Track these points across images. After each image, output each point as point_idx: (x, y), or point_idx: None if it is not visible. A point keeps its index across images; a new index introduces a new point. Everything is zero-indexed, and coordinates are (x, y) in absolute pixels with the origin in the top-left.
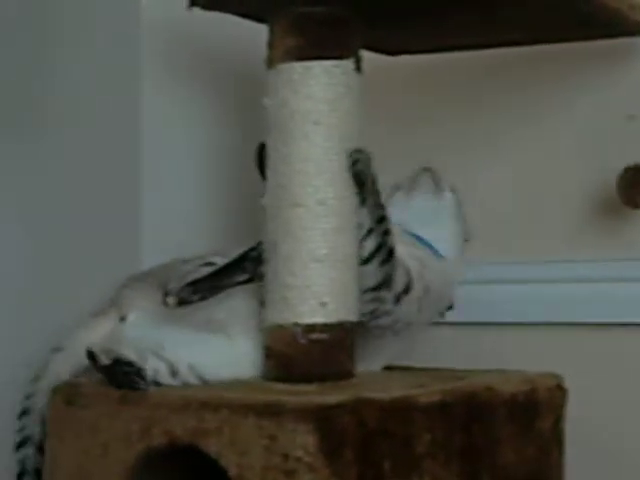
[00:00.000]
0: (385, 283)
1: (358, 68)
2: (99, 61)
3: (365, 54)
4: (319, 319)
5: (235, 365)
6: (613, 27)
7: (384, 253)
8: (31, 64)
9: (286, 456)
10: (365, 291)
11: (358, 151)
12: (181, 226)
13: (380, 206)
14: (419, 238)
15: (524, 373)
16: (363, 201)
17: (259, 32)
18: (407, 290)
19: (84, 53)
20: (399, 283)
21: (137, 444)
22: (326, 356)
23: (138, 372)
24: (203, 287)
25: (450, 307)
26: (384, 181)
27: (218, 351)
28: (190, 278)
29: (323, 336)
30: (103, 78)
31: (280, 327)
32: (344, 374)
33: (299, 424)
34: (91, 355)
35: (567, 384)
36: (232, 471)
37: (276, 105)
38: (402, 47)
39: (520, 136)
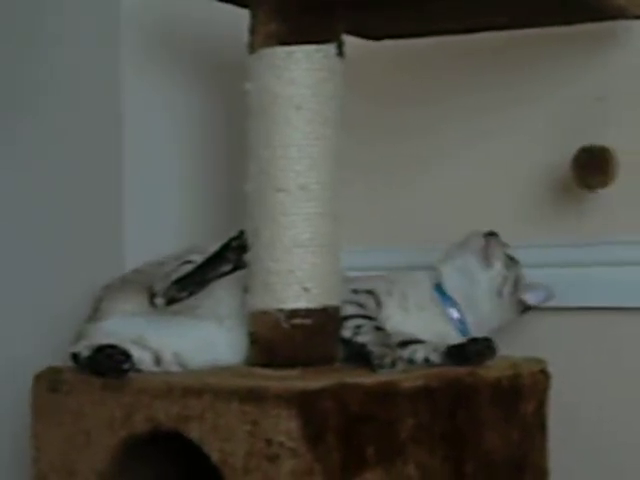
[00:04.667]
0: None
1: (340, 53)
2: (79, 48)
3: (348, 39)
4: (302, 304)
5: (224, 350)
6: (595, 11)
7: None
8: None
9: (269, 441)
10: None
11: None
12: (164, 214)
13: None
14: (451, 302)
15: (508, 358)
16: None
17: (241, 17)
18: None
19: (64, 40)
20: None
21: (120, 430)
22: (309, 341)
23: (122, 353)
24: (190, 283)
25: None
26: (364, 162)
27: (205, 337)
28: (174, 276)
29: (306, 321)
30: (83, 67)
31: (263, 312)
32: (327, 359)
33: (282, 409)
34: (74, 356)
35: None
36: (215, 456)
37: (258, 90)
38: (384, 32)
39: (498, 118)
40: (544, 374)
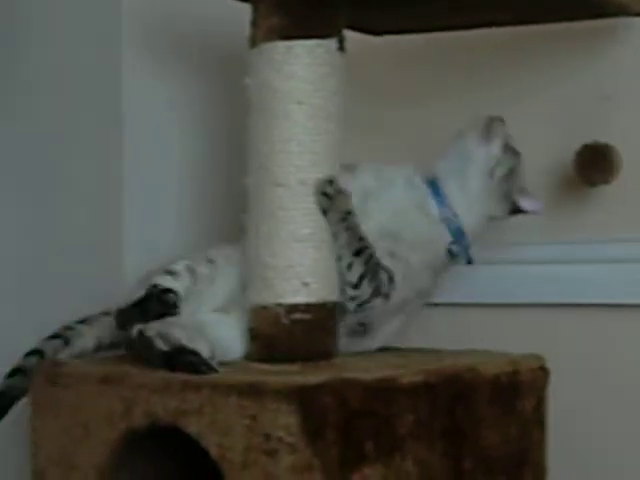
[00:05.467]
0: (375, 294)
1: (341, 47)
2: (80, 46)
3: (349, 34)
4: (302, 299)
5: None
6: (596, 8)
7: (370, 275)
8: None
9: (268, 436)
10: (360, 305)
11: (329, 182)
12: (164, 210)
13: (355, 240)
14: (436, 189)
15: (507, 354)
16: (335, 236)
17: (242, 12)
18: (391, 280)
19: (64, 38)
20: (384, 283)
21: (119, 424)
22: (309, 336)
23: (204, 363)
24: (124, 317)
25: (469, 262)
26: (364, 157)
27: (239, 330)
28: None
29: (306, 316)
30: (84, 61)
31: (263, 307)
32: (326, 354)
33: (281, 404)
34: (145, 339)
35: (547, 364)
36: (213, 451)
37: (258, 85)
38: (386, 27)
39: (495, 114)
40: (543, 371)
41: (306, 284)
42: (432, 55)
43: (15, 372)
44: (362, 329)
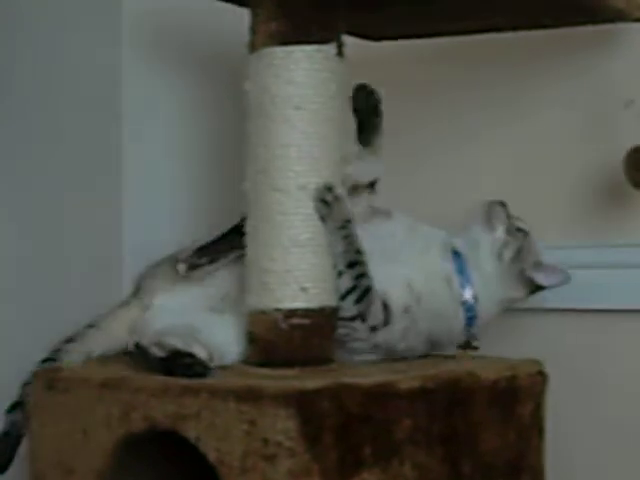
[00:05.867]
0: (359, 317)
1: (340, 53)
2: (80, 48)
3: (348, 39)
4: (300, 304)
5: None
6: (595, 14)
7: (357, 293)
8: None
9: (266, 441)
10: (340, 319)
11: (328, 189)
12: (163, 213)
13: (352, 251)
14: (461, 266)
15: (505, 359)
16: (332, 244)
17: (241, 16)
18: (386, 323)
19: (65, 40)
20: (376, 317)
21: (117, 429)
22: (307, 341)
23: (200, 363)
24: (210, 251)
25: (467, 345)
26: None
27: (235, 333)
28: (196, 246)
29: (304, 321)
30: (84, 67)
31: (261, 312)
32: (325, 359)
33: (279, 409)
34: (141, 349)
35: (549, 370)
36: (212, 456)
37: (257, 90)
38: (385, 32)
39: (516, 121)
40: (541, 375)
41: (305, 289)
42: (432, 61)
43: (15, 406)
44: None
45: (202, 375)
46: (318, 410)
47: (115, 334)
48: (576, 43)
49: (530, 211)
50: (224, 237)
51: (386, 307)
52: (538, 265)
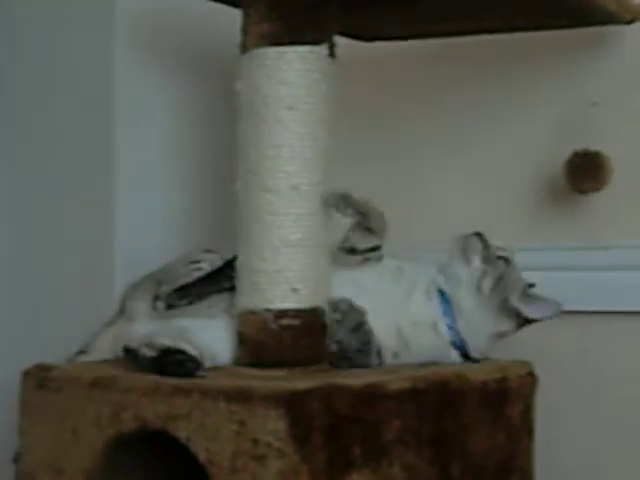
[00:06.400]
0: (361, 353)
1: (332, 54)
2: (73, 50)
3: (339, 40)
4: (291, 305)
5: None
6: (586, 16)
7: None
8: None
9: (256, 441)
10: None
11: (343, 303)
12: (156, 216)
13: (359, 326)
14: (447, 307)
15: (495, 361)
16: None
17: (233, 17)
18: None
19: (58, 42)
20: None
21: (108, 428)
22: (297, 342)
23: (192, 359)
24: (190, 293)
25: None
26: (355, 166)
27: (226, 335)
28: (180, 282)
29: (294, 322)
30: (77, 67)
31: (251, 312)
32: (315, 360)
33: (269, 409)
34: (130, 351)
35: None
36: (202, 456)
37: (249, 90)
38: (377, 33)
39: (486, 121)
40: (531, 377)
41: (295, 290)
42: (423, 62)
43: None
44: None
45: (195, 371)
46: (308, 411)
47: (105, 355)
48: (545, 45)
49: (487, 213)
50: (206, 279)
51: (379, 353)
52: (526, 297)
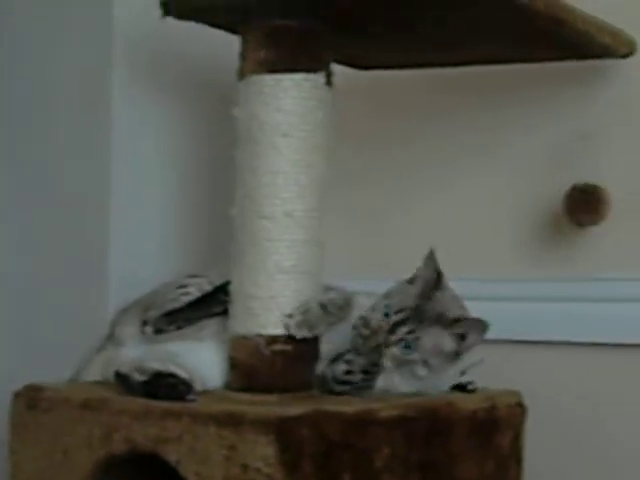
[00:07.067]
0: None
1: (329, 82)
2: (70, 73)
3: (336, 68)
4: (283, 331)
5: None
6: (581, 49)
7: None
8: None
9: (245, 466)
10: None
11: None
12: (150, 239)
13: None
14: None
15: (484, 390)
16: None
17: (231, 43)
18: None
19: (55, 66)
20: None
21: (98, 450)
22: (289, 367)
23: (183, 382)
24: (179, 318)
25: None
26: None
27: (216, 358)
28: (168, 307)
29: (286, 347)
30: (74, 91)
31: (243, 337)
32: (305, 385)
33: (259, 435)
34: (121, 376)
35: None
36: (192, 479)
37: (245, 116)
38: (373, 62)
39: (483, 151)
40: (520, 407)
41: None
42: (419, 91)
43: None
44: None
45: (186, 394)
46: (297, 437)
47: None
48: (537, 77)
49: (484, 245)
50: (195, 304)
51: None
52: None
